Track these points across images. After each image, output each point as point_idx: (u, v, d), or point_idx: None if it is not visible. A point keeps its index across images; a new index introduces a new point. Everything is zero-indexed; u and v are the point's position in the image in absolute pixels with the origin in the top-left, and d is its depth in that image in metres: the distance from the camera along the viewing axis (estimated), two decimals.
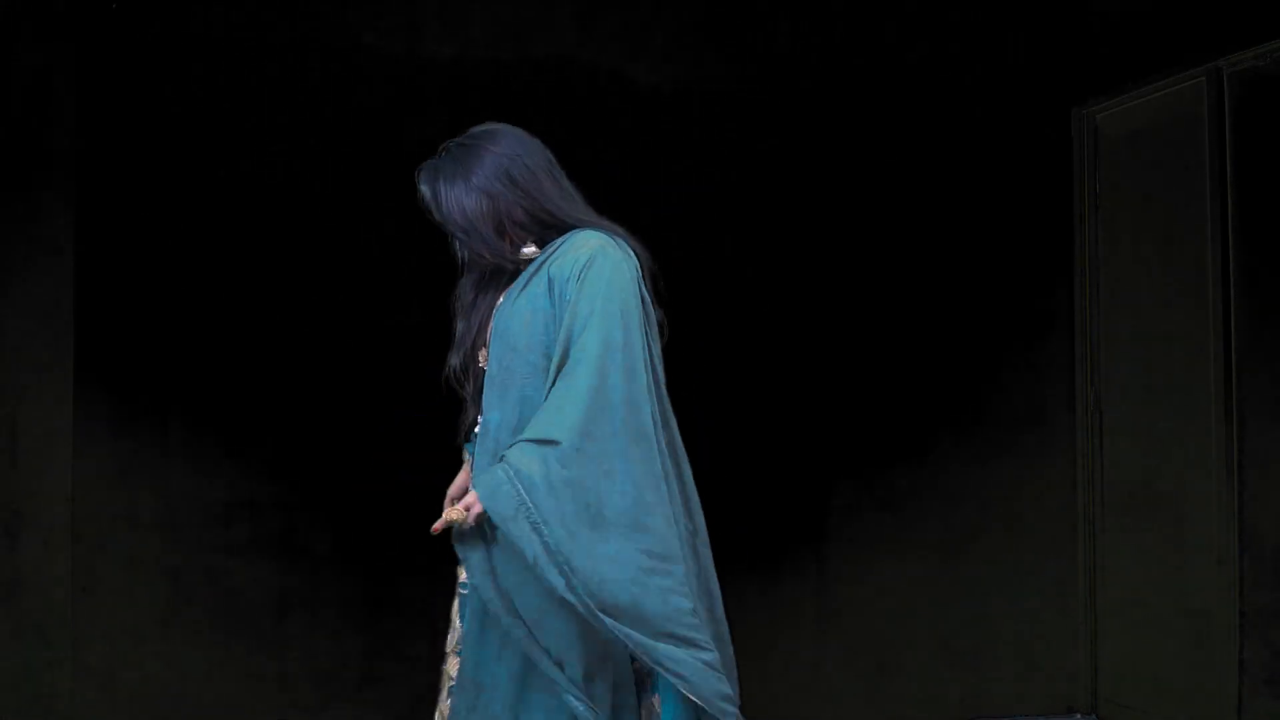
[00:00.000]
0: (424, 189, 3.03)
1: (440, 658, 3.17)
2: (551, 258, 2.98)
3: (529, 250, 3.01)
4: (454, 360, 3.13)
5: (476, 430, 3.07)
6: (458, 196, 2.97)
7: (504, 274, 3.12)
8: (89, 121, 4.63)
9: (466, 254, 3.04)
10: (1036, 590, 5.16)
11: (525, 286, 3.00)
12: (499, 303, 3.09)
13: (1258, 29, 4.39)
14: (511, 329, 2.98)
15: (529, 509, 2.74)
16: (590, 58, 4.97)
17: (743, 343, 5.03)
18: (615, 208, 3.10)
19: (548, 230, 2.99)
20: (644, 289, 2.95)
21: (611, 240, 2.95)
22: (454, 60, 4.89)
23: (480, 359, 3.09)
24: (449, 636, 3.14)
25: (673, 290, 3.16)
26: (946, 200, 5.18)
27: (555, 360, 2.87)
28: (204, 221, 4.73)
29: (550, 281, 2.93)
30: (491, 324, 3.07)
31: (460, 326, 3.14)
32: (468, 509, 2.80)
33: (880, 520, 5.12)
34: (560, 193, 2.99)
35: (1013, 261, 5.21)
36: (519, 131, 3.03)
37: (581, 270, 2.88)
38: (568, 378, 2.82)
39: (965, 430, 5.16)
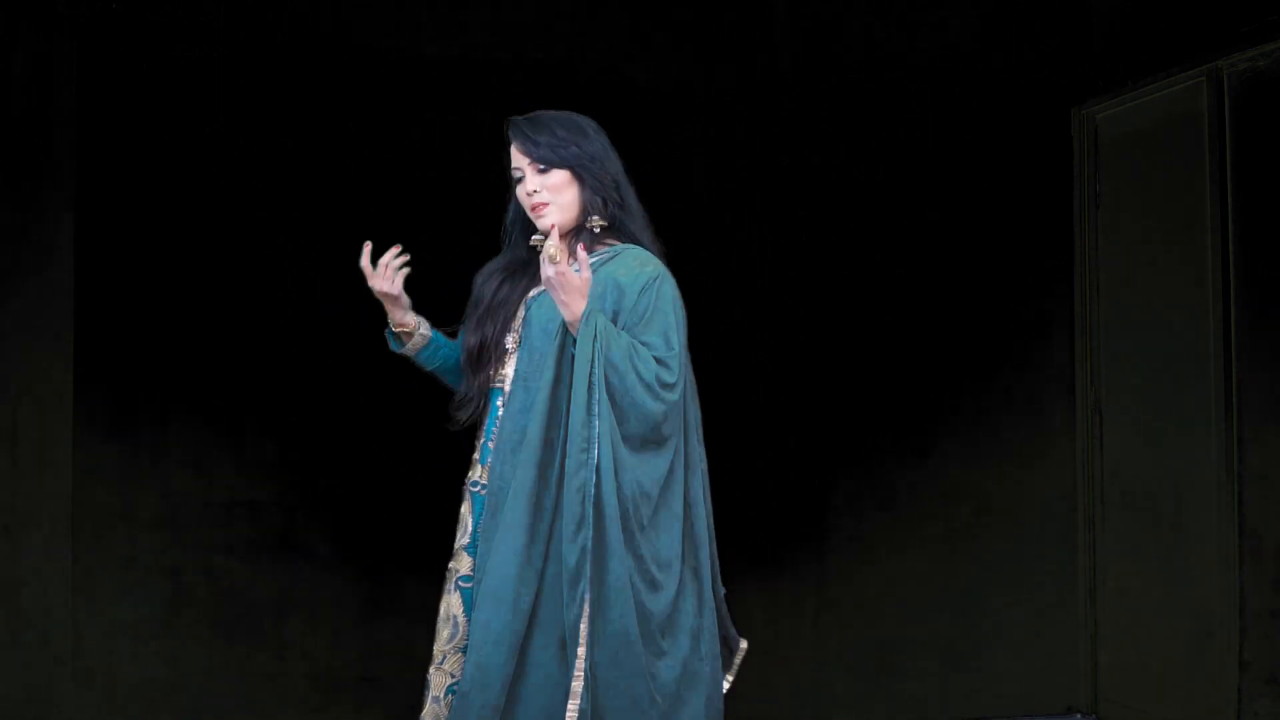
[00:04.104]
0: (529, 131, 3.05)
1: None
2: (610, 263, 3.03)
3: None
4: (472, 341, 3.15)
5: (499, 411, 3.08)
6: (579, 137, 3.05)
7: (532, 270, 3.14)
8: (89, 121, 4.63)
9: (552, 205, 3.05)
10: (1036, 590, 5.17)
11: None
12: (532, 295, 3.10)
13: (1258, 29, 4.39)
14: (554, 319, 3.00)
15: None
16: (590, 58, 4.97)
17: (742, 341, 5.03)
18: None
19: (621, 205, 3.08)
20: None
21: (661, 263, 3.07)
22: (454, 60, 4.89)
23: (509, 344, 3.09)
24: (443, 634, 3.13)
25: None
26: (947, 200, 5.18)
27: None
28: (204, 221, 4.73)
29: (619, 288, 3.00)
30: (523, 314, 3.08)
31: (480, 309, 3.15)
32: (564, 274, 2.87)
33: (880, 519, 5.12)
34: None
35: (1012, 261, 5.22)
36: None
37: (654, 283, 3.00)
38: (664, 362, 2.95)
39: (965, 430, 5.16)
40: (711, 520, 3.13)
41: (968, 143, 5.19)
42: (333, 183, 4.80)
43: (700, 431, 3.10)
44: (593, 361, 2.89)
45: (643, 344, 2.95)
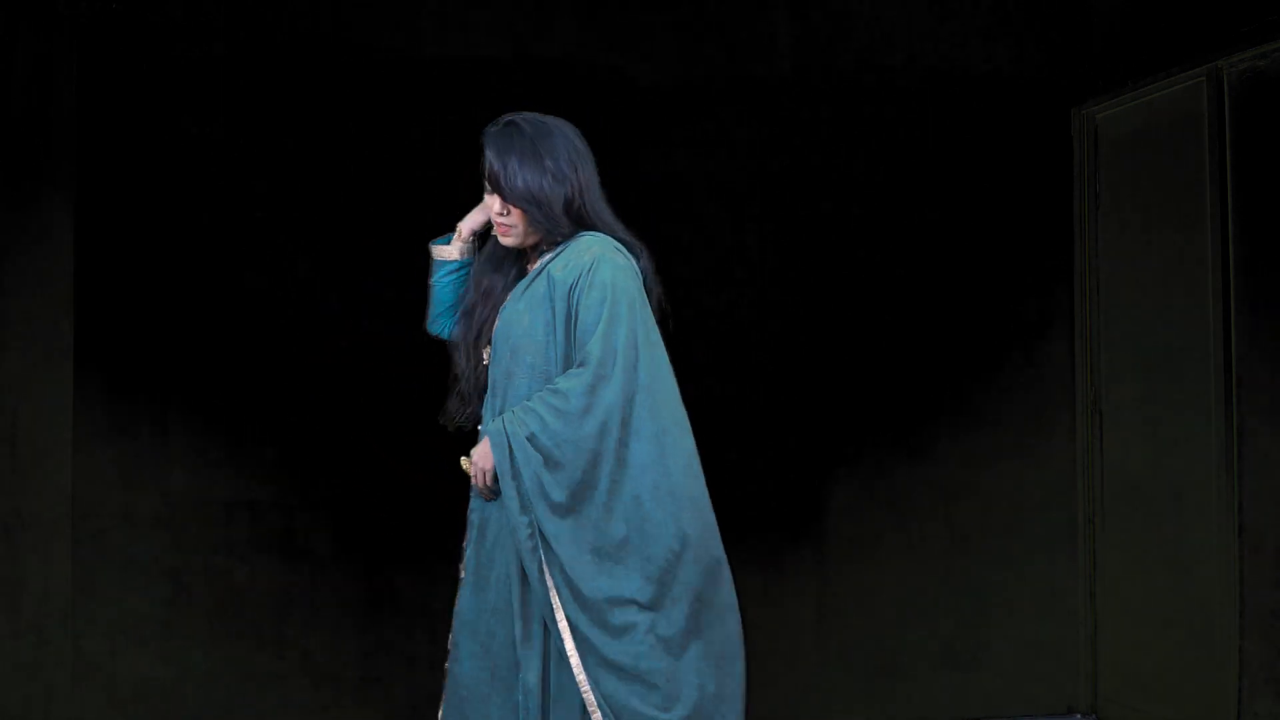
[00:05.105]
0: (492, 158, 3.06)
1: (443, 656, 3.18)
2: (553, 261, 3.03)
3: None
4: (459, 358, 3.17)
5: (480, 428, 3.12)
6: (534, 172, 3.03)
7: (511, 270, 3.16)
8: (89, 121, 4.63)
9: (512, 231, 3.07)
10: (1036, 590, 5.17)
11: (527, 288, 3.05)
12: (504, 302, 3.12)
13: (1258, 29, 4.39)
14: (511, 332, 3.06)
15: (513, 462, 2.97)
16: (590, 57, 4.97)
17: (742, 341, 5.03)
18: (615, 207, 3.14)
19: (578, 225, 3.06)
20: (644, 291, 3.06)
21: (610, 244, 3.00)
22: (454, 60, 4.89)
23: (484, 356, 3.13)
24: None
25: (672, 290, 3.17)
26: (946, 200, 5.18)
27: (562, 363, 3.00)
28: (204, 221, 4.73)
29: (551, 283, 3.02)
30: (496, 323, 3.11)
31: (473, 302, 3.17)
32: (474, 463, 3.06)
33: (880, 520, 5.12)
34: (602, 196, 3.10)
35: (1012, 261, 5.22)
36: (575, 129, 3.12)
37: (585, 275, 2.98)
38: (571, 377, 2.95)
39: (965, 430, 5.16)
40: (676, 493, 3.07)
41: (968, 142, 5.19)
42: (333, 183, 4.80)
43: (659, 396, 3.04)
44: (515, 479, 2.97)
45: (576, 357, 2.99)
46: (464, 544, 3.17)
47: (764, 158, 5.09)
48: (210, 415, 4.72)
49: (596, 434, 2.92)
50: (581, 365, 2.95)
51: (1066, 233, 5.23)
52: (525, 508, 2.95)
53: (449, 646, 3.16)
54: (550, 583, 2.94)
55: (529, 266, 3.17)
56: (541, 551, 2.94)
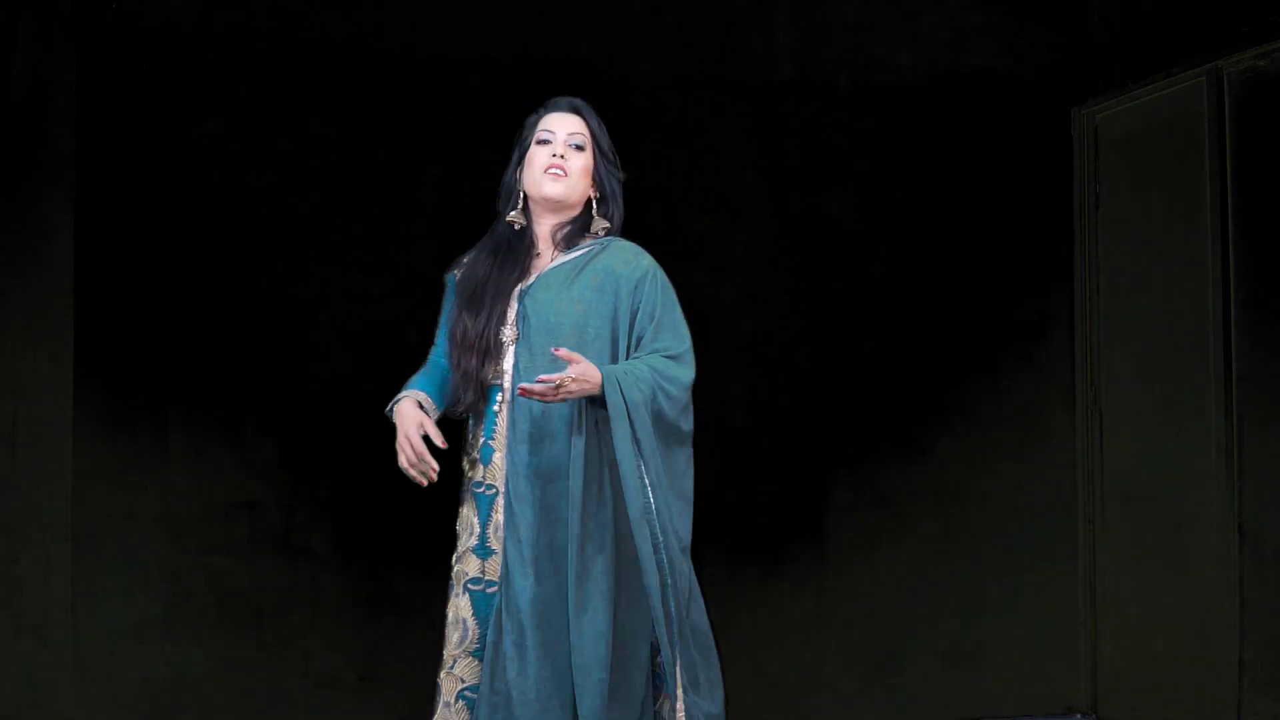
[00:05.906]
0: (588, 117, 3.21)
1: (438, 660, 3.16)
2: (600, 255, 3.11)
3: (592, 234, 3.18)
4: (470, 327, 3.12)
5: (499, 408, 3.08)
6: (608, 147, 3.21)
7: (521, 261, 3.14)
8: (88, 122, 4.63)
9: (565, 178, 3.12)
10: (1036, 590, 5.16)
11: (576, 277, 3.05)
12: (523, 287, 3.09)
13: (1258, 29, 4.39)
14: (555, 316, 3.05)
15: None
16: (590, 58, 4.97)
17: (742, 341, 5.03)
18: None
19: (600, 206, 3.17)
20: None
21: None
22: (454, 60, 4.89)
23: (505, 338, 3.08)
24: (452, 637, 3.10)
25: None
26: (946, 200, 5.18)
27: (618, 352, 3.06)
28: (204, 221, 4.73)
29: (614, 277, 3.08)
30: (515, 308, 3.07)
31: (473, 292, 3.15)
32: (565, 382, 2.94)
33: (880, 520, 5.12)
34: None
35: (1013, 261, 5.22)
36: None
37: (651, 276, 3.10)
38: (673, 366, 3.06)
39: (965, 430, 5.16)
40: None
41: (968, 142, 5.19)
42: (332, 183, 4.80)
43: None
44: (631, 423, 2.98)
45: (657, 347, 3.05)
46: (486, 537, 3.12)
47: (763, 158, 5.09)
48: (210, 415, 4.72)
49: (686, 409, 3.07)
50: (678, 358, 3.06)
51: (1066, 233, 5.23)
52: (639, 451, 2.98)
53: (457, 655, 3.09)
54: (655, 511, 2.97)
55: (540, 259, 3.15)
56: (651, 490, 2.97)
